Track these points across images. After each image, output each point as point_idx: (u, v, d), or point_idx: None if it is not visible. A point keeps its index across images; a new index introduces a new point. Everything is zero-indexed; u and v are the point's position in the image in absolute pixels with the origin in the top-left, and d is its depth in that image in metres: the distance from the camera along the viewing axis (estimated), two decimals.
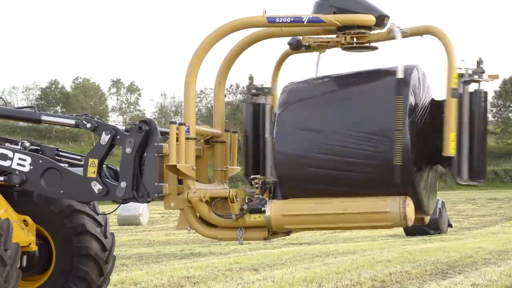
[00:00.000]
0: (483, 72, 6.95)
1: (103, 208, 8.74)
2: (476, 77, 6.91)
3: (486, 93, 6.95)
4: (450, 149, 6.78)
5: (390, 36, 7.23)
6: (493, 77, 6.97)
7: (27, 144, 8.25)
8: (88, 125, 7.71)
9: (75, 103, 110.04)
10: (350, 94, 7.14)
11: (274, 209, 7.09)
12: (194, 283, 12.49)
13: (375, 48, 7.35)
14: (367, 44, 7.28)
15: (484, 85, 6.98)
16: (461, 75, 6.92)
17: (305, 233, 27.57)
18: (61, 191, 7.76)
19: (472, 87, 6.94)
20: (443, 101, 6.97)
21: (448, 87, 6.81)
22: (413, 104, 6.89)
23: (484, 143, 6.95)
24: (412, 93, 6.91)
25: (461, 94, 6.87)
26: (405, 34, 7.26)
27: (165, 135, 7.44)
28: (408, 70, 6.99)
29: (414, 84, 6.96)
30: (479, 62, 6.97)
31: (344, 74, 7.30)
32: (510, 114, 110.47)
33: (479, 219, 40.91)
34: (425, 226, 26.69)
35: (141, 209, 39.22)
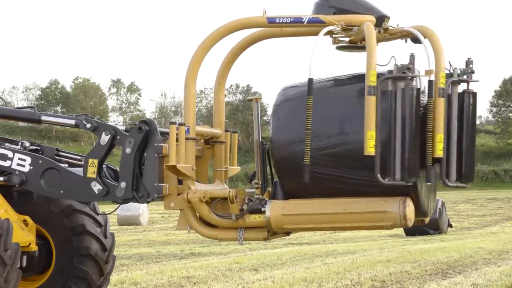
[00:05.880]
0: (472, 72, 6.85)
1: (103, 208, 8.74)
2: (465, 77, 6.83)
3: (475, 93, 6.89)
4: (437, 150, 6.61)
5: (386, 37, 7.23)
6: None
7: (27, 144, 8.25)
8: (88, 125, 7.71)
9: (75, 103, 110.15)
10: (345, 97, 7.09)
11: (274, 209, 7.09)
12: (194, 283, 12.49)
13: None
14: (362, 44, 7.27)
15: (473, 85, 6.88)
16: (449, 75, 6.82)
17: (305, 233, 27.56)
18: (61, 191, 7.76)
19: (461, 88, 6.86)
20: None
21: (436, 87, 6.65)
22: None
23: (472, 145, 6.86)
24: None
25: (450, 95, 6.79)
26: (394, 36, 7.24)
27: (165, 135, 7.43)
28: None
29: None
30: (468, 62, 6.87)
31: (346, 76, 7.28)
32: (510, 114, 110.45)
33: (479, 219, 40.90)
34: (425, 226, 26.70)
35: (141, 209, 39.25)
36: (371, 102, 6.60)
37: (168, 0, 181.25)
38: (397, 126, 6.66)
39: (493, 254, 17.18)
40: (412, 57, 6.79)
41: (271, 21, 7.32)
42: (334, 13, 7.17)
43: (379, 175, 6.64)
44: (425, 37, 6.89)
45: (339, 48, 7.35)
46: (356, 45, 7.26)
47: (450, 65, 6.88)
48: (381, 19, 7.16)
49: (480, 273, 13.31)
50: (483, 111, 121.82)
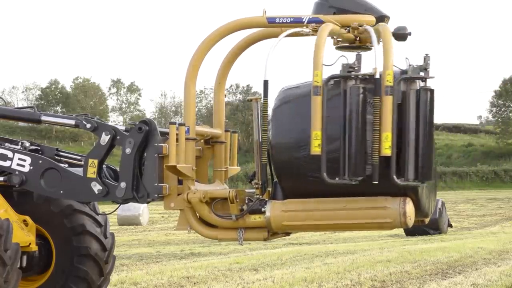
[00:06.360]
0: (426, 68, 6.73)
1: (103, 208, 8.74)
2: (421, 74, 6.72)
3: (432, 90, 6.76)
4: (383, 149, 6.53)
5: (360, 36, 7.19)
6: None
7: (27, 144, 8.25)
8: (88, 126, 7.71)
9: (75, 103, 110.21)
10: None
11: (274, 209, 7.09)
12: (194, 283, 12.49)
13: (369, 48, 7.31)
14: (361, 44, 7.25)
15: (431, 82, 6.76)
16: (404, 72, 6.75)
17: (305, 233, 27.56)
18: (61, 192, 7.76)
19: (418, 85, 6.73)
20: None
21: (383, 84, 6.55)
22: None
23: (430, 143, 6.73)
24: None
25: (405, 92, 6.69)
26: (365, 36, 7.18)
27: (165, 135, 7.43)
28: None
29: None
30: (426, 59, 6.76)
31: None
32: (510, 114, 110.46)
33: (479, 219, 40.91)
34: (425, 226, 26.70)
35: (141, 209, 39.26)
36: (317, 102, 6.61)
37: (168, 0, 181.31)
38: (346, 125, 6.64)
39: (493, 254, 17.18)
40: (358, 56, 6.79)
41: (271, 21, 7.32)
42: (334, 13, 7.16)
43: (325, 174, 6.65)
44: (379, 36, 6.85)
45: (338, 48, 7.33)
46: (353, 45, 7.25)
47: (407, 62, 6.83)
48: (381, 19, 7.15)
49: (480, 273, 13.31)
50: (483, 111, 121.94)
